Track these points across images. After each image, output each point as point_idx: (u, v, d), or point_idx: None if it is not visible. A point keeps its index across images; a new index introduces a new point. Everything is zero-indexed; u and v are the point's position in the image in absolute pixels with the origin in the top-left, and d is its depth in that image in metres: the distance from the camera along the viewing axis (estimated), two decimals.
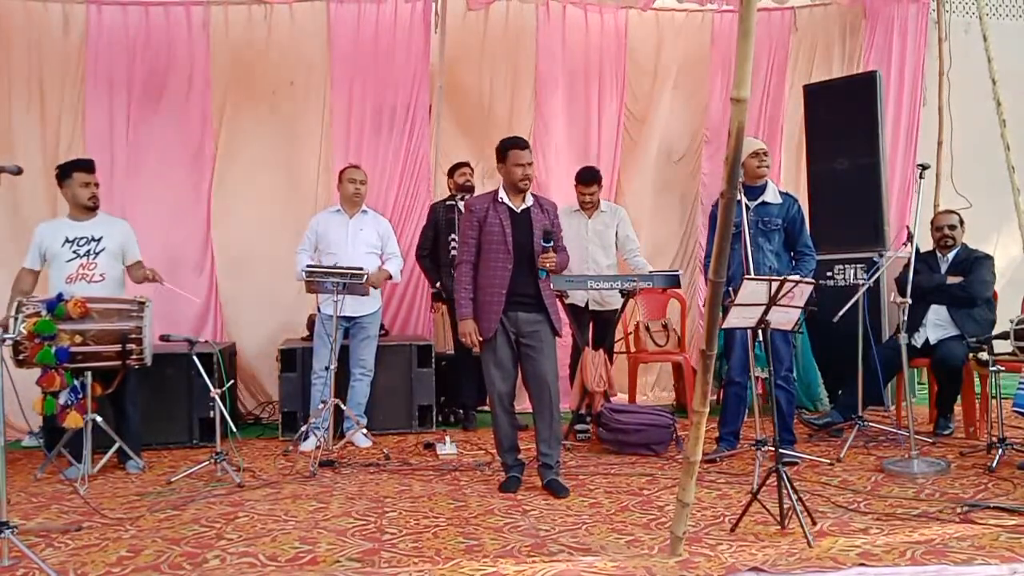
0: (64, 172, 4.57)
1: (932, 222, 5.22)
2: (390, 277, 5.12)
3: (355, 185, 5.10)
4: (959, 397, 4.99)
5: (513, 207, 3.93)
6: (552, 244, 3.89)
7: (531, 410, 4.01)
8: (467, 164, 5.71)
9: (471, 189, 5.56)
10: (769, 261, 4.40)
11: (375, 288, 5.00)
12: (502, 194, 3.95)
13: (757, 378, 4.40)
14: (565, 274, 4.76)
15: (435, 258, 5.59)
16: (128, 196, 5.73)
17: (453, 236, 5.43)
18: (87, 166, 4.62)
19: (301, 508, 3.66)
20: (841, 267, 5.86)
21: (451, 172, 5.70)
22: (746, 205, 4.29)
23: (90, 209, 4.58)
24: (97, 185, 4.62)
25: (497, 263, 3.87)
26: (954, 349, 4.78)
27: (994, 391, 4.24)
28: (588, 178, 5.44)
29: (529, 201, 3.97)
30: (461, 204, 5.48)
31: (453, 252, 5.42)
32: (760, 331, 3.62)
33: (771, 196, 4.49)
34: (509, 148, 3.94)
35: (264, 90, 6.03)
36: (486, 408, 5.75)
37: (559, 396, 4.03)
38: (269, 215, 6.06)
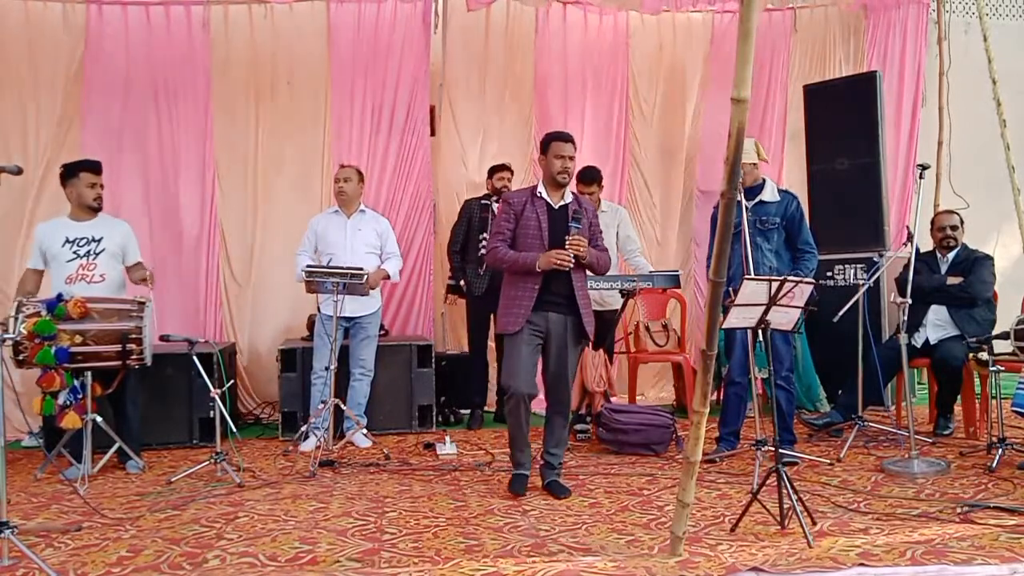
0: (70, 171, 4.56)
1: (933, 222, 5.22)
2: (388, 277, 5.12)
3: (338, 184, 5.11)
4: (959, 397, 4.99)
5: (551, 203, 3.81)
6: (580, 228, 3.71)
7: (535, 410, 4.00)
8: (507, 167, 5.71)
9: None
10: (768, 260, 4.40)
11: (373, 288, 5.00)
12: (541, 189, 3.83)
13: (757, 378, 4.40)
14: None
15: (463, 255, 5.60)
16: (128, 196, 5.73)
17: (484, 235, 5.45)
18: (94, 167, 4.62)
19: (301, 508, 3.66)
20: (841, 267, 5.86)
21: (491, 173, 5.72)
22: (744, 205, 4.29)
23: (94, 210, 4.58)
24: (103, 187, 4.63)
25: None
26: (954, 349, 4.78)
27: (994, 391, 4.24)
28: (588, 178, 5.44)
29: (568, 198, 3.83)
30: (496, 206, 5.51)
31: (482, 251, 5.44)
32: (760, 331, 3.62)
33: (768, 195, 4.48)
34: (552, 140, 3.82)
35: (264, 90, 6.03)
36: (489, 409, 5.79)
37: (571, 399, 4.00)
38: (269, 215, 6.07)
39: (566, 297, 3.77)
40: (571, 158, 3.78)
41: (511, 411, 3.83)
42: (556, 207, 3.81)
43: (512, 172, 5.72)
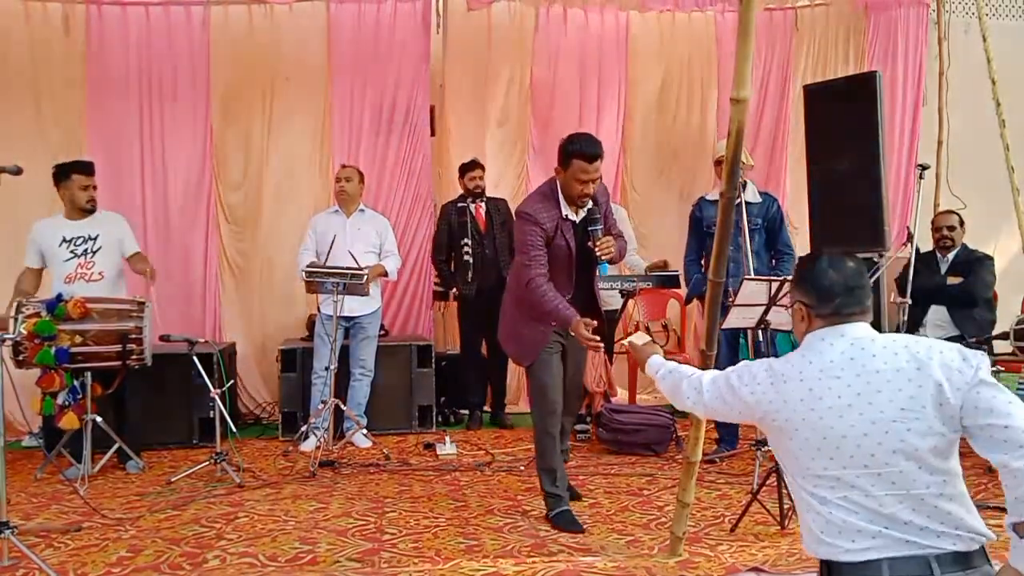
0: (63, 173, 4.54)
1: (932, 222, 5.23)
2: (385, 274, 5.12)
3: (339, 184, 5.14)
4: None
5: (575, 219, 3.40)
6: (601, 227, 3.36)
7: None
8: (478, 164, 5.64)
9: (481, 193, 5.55)
10: (750, 261, 4.42)
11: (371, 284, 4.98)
12: (565, 209, 3.36)
13: None
14: None
15: (450, 261, 5.57)
16: (128, 196, 5.72)
17: (465, 240, 5.42)
18: (87, 168, 4.60)
19: (301, 508, 3.66)
20: None
21: (462, 172, 5.66)
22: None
23: (88, 212, 4.56)
24: (95, 188, 4.61)
25: (556, 287, 3.36)
26: None
27: None
28: None
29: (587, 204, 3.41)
30: (472, 207, 5.49)
31: (466, 256, 5.41)
32: (753, 332, 3.63)
33: (750, 196, 4.52)
34: (575, 156, 3.26)
35: (264, 90, 6.03)
36: (485, 408, 5.78)
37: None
38: (269, 214, 6.06)
39: (584, 304, 3.46)
40: (594, 181, 3.31)
41: (553, 437, 3.45)
42: (578, 221, 3.43)
43: (484, 169, 5.67)
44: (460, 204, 5.57)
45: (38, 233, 4.54)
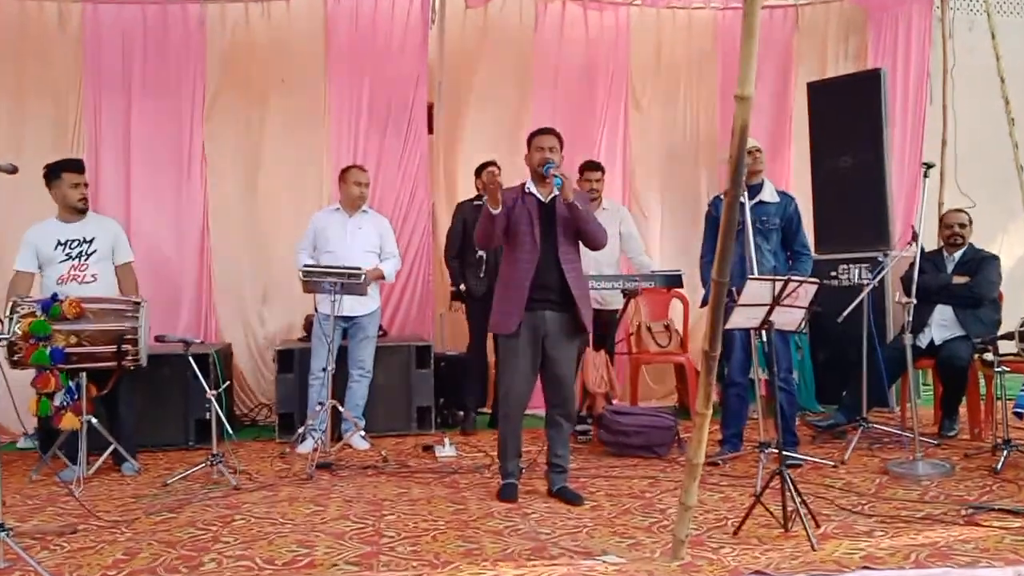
0: (53, 172, 4.47)
1: (941, 220, 5.22)
2: (383, 277, 5.07)
3: (360, 188, 5.06)
4: (964, 398, 4.95)
5: (541, 197, 3.78)
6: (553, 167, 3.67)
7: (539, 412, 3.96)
8: (493, 163, 5.65)
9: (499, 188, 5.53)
10: (767, 261, 4.39)
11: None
12: (529, 184, 3.81)
13: (761, 379, 4.38)
14: None
15: (462, 259, 5.53)
16: (124, 195, 5.69)
17: None
18: (76, 166, 4.54)
19: (298, 511, 3.63)
20: (845, 267, 5.82)
21: (478, 172, 5.64)
22: (745, 204, 4.26)
23: (80, 211, 4.52)
24: (87, 185, 4.55)
25: (522, 255, 3.72)
26: (959, 350, 4.74)
27: (999, 392, 4.21)
28: (592, 166, 5.53)
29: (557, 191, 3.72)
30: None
31: (480, 252, 5.39)
32: (764, 332, 3.59)
33: (768, 195, 4.49)
34: (533, 135, 3.87)
35: (261, 88, 6.00)
36: (485, 410, 5.75)
37: (575, 398, 3.94)
38: (266, 213, 6.03)
39: (559, 292, 3.72)
40: (551, 148, 3.75)
41: (507, 417, 3.80)
42: (546, 201, 3.76)
43: (499, 168, 5.66)
44: (476, 203, 5.53)
45: (34, 237, 4.47)
